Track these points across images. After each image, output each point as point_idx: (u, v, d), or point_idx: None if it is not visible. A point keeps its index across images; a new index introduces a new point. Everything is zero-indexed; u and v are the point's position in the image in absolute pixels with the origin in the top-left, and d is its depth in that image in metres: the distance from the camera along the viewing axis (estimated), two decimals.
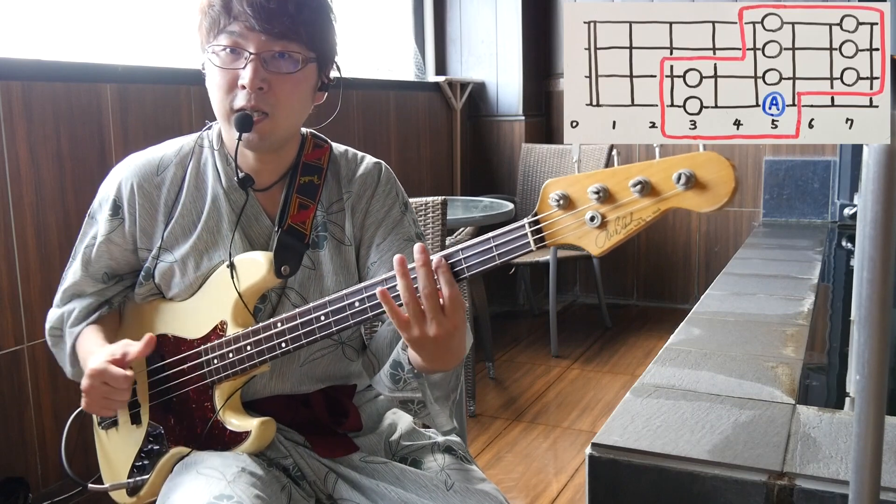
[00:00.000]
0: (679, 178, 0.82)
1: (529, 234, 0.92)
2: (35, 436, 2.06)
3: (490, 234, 0.94)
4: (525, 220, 0.92)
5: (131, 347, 1.13)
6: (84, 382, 1.13)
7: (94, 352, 1.16)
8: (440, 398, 1.15)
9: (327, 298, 1.06)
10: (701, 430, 1.45)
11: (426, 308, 0.97)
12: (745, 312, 2.33)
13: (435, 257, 0.97)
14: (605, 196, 0.87)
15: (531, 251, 0.92)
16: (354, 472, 1.17)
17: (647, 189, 0.84)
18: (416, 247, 0.97)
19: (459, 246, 0.96)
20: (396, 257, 0.97)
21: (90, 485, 1.26)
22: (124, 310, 1.29)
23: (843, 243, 3.71)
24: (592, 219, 0.87)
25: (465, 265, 0.96)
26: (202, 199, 1.19)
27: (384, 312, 1.01)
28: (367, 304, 1.03)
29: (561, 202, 0.89)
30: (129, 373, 1.11)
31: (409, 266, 0.97)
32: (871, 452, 0.89)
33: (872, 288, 0.86)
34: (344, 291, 1.05)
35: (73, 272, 1.25)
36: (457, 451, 1.25)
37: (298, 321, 1.08)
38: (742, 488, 1.28)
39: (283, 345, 1.10)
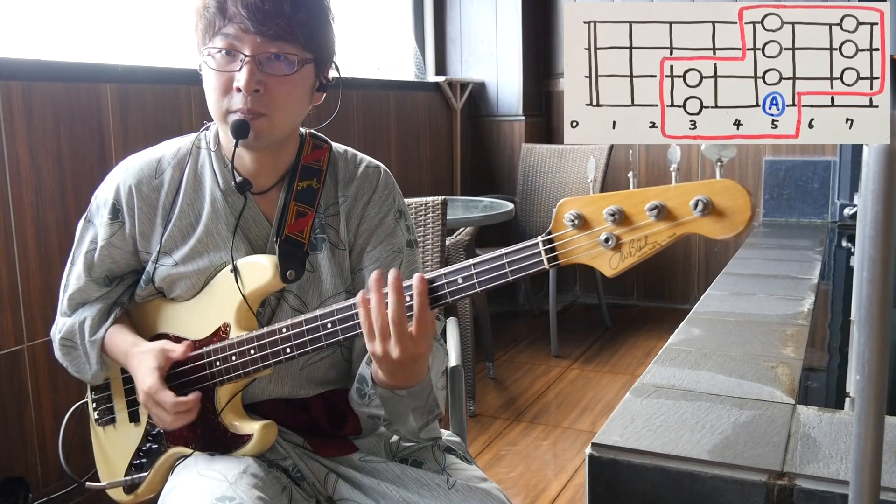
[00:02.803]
0: (696, 205, 0.82)
1: (543, 253, 0.91)
2: (35, 436, 2.06)
3: (503, 251, 0.94)
4: (539, 239, 0.92)
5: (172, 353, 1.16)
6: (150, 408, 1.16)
7: (131, 352, 1.18)
8: (418, 408, 1.13)
9: (335, 307, 1.05)
10: (701, 430, 1.45)
11: (392, 332, 0.97)
12: (745, 312, 2.33)
13: (416, 279, 0.97)
14: (620, 218, 0.87)
15: (544, 269, 0.92)
16: (355, 471, 1.17)
17: (663, 213, 0.84)
18: (392, 272, 0.97)
19: (472, 261, 0.96)
20: (373, 275, 0.99)
21: (87, 483, 1.26)
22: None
23: (843, 243, 3.71)
24: (607, 240, 0.87)
25: (476, 280, 0.96)
26: (200, 202, 1.18)
27: None
28: None
29: (576, 222, 0.89)
30: (186, 398, 1.12)
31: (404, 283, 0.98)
32: (871, 452, 0.89)
33: (872, 288, 0.86)
34: (351, 300, 1.04)
35: (75, 278, 1.23)
36: (457, 451, 1.24)
37: (304, 327, 1.07)
38: (742, 488, 1.28)
39: (288, 350, 1.09)
